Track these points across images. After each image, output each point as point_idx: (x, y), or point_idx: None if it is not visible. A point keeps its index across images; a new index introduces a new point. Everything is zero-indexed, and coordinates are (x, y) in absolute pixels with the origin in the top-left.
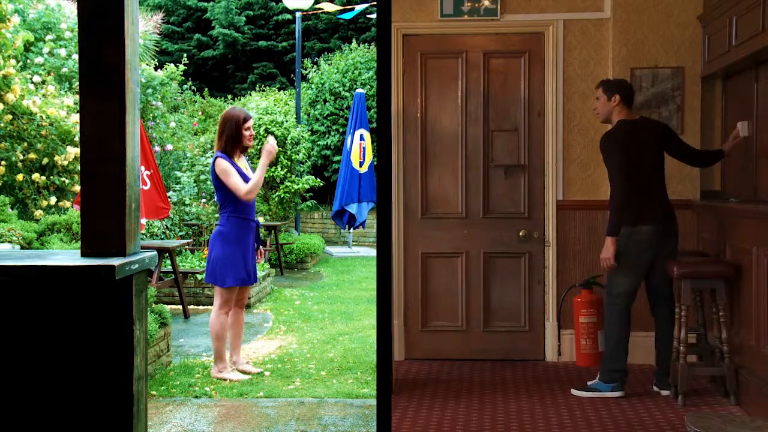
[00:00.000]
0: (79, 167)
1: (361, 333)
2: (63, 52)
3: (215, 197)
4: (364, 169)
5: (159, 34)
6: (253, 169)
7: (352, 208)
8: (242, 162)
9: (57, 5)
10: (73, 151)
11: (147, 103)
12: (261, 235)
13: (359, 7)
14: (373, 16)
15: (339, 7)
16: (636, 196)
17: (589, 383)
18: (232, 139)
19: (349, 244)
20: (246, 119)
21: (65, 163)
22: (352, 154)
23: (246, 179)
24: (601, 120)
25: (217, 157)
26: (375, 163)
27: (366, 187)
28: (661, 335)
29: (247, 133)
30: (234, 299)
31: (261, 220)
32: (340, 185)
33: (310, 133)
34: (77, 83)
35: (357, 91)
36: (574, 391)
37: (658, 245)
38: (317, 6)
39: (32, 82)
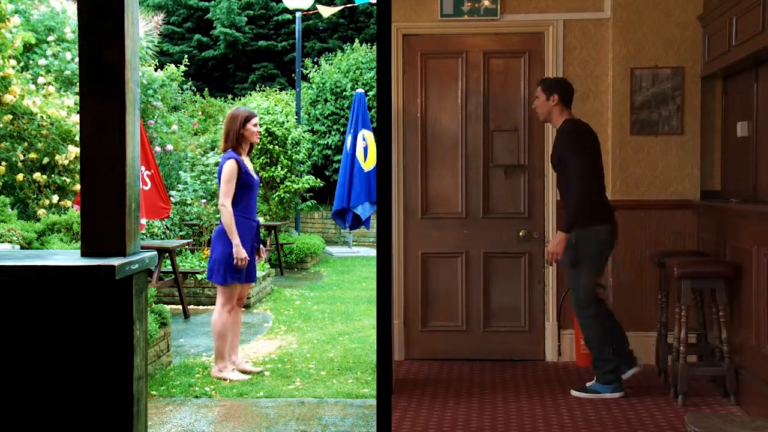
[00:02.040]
0: (79, 167)
1: (361, 333)
2: (68, 55)
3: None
4: (369, 167)
5: (159, 35)
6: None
7: (359, 210)
8: (248, 161)
9: (62, 9)
10: (74, 151)
11: (147, 104)
12: (261, 235)
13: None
14: None
15: (337, 9)
16: (598, 194)
17: (588, 384)
18: (237, 138)
19: (349, 244)
20: (250, 117)
21: (66, 162)
22: (358, 155)
23: (251, 179)
24: (541, 119)
25: (229, 158)
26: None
27: (372, 187)
28: (611, 325)
29: (255, 129)
30: (235, 297)
31: (261, 220)
32: (342, 186)
33: (310, 133)
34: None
35: (357, 91)
36: (573, 392)
37: (611, 243)
38: (316, 9)
39: (35, 83)
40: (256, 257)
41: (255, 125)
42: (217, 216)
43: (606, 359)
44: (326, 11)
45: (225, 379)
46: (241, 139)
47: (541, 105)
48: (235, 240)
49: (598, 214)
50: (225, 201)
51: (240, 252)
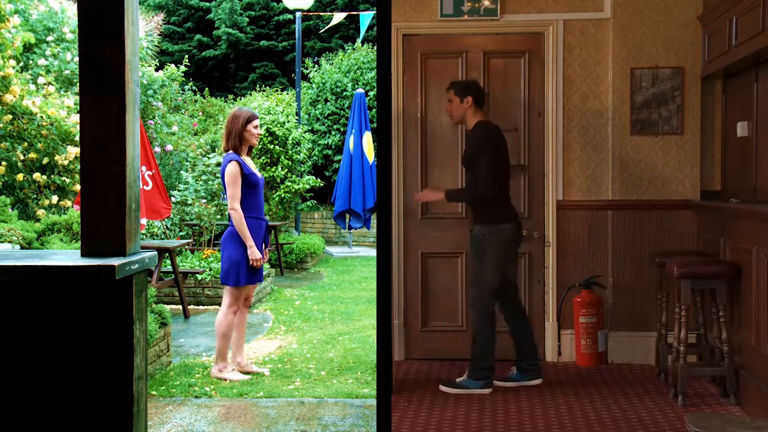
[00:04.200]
0: (79, 167)
1: (361, 333)
2: (68, 55)
3: (223, 197)
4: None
5: (160, 35)
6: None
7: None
8: (249, 161)
9: (61, 9)
10: (74, 151)
11: (148, 104)
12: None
13: (366, 14)
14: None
15: (344, 14)
16: (505, 194)
17: (458, 380)
18: (239, 137)
19: (349, 244)
20: (252, 118)
21: (66, 162)
22: (367, 153)
23: (255, 178)
24: (455, 122)
25: (230, 160)
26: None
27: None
28: (521, 325)
29: (255, 131)
30: (242, 299)
31: None
32: (344, 187)
33: (311, 132)
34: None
35: (357, 91)
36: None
37: (518, 241)
38: (325, 19)
39: (34, 83)
40: (264, 256)
41: (255, 127)
42: (218, 216)
43: (487, 357)
44: (338, 17)
45: (225, 380)
46: (241, 140)
47: (455, 108)
48: (249, 242)
49: (504, 214)
50: (234, 205)
51: (254, 253)
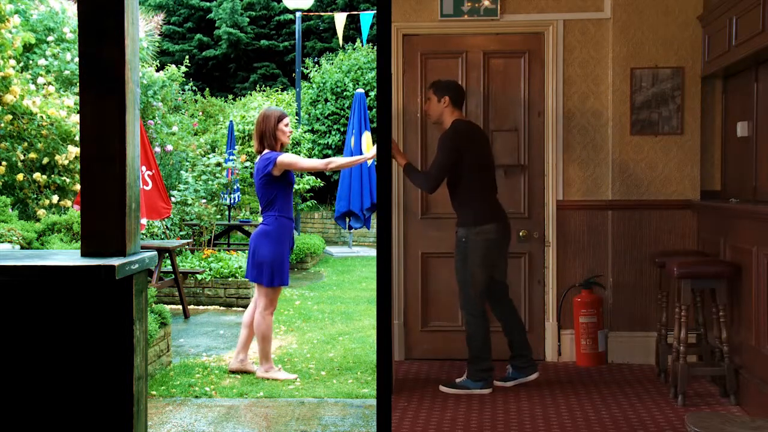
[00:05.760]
0: (79, 167)
1: (361, 333)
2: (68, 55)
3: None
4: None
5: (160, 35)
6: None
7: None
8: None
9: (61, 9)
10: (74, 151)
11: (148, 104)
12: None
13: (366, 14)
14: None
15: (345, 14)
16: (487, 195)
17: (457, 381)
18: (273, 137)
19: (349, 244)
20: (282, 117)
21: (66, 162)
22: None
23: (293, 178)
24: (432, 121)
25: (277, 156)
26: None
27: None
28: (512, 323)
29: (287, 129)
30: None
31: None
32: (346, 187)
33: (311, 132)
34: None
35: (357, 91)
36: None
37: (503, 241)
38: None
39: (35, 83)
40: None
41: (286, 125)
42: (218, 216)
43: (484, 358)
44: (340, 19)
45: (275, 379)
46: (275, 139)
47: (433, 107)
48: (364, 157)
49: (487, 214)
50: (326, 160)
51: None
